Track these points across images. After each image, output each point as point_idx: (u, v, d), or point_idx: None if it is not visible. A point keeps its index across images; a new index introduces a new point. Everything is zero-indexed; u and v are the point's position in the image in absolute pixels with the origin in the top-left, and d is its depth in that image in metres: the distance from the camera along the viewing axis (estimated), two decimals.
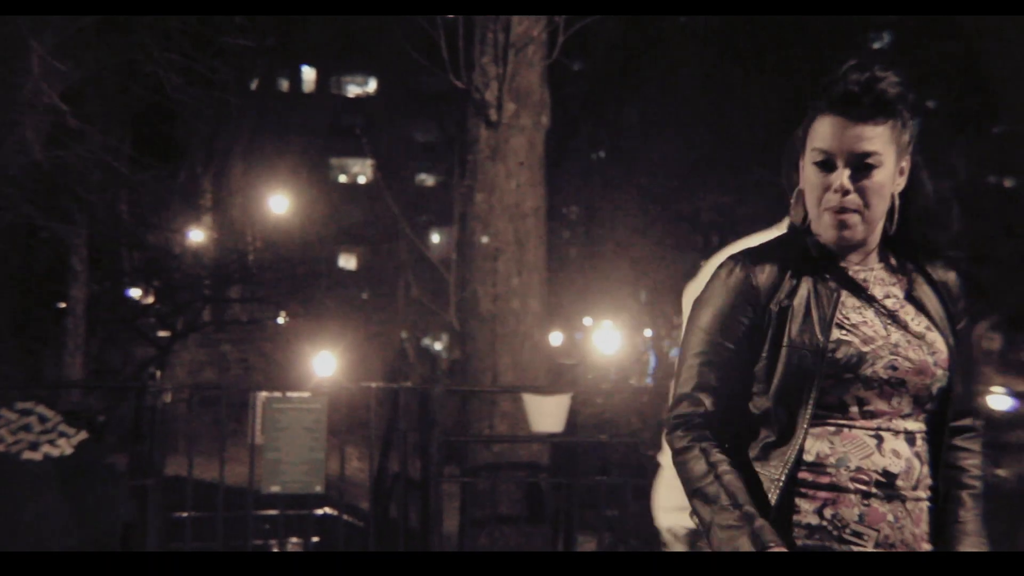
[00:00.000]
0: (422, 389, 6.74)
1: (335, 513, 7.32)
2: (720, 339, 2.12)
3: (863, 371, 2.04)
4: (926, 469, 2.08)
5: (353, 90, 34.75)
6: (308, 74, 34.35)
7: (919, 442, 2.08)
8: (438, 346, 24.48)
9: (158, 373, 6.72)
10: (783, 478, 2.03)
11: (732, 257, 2.17)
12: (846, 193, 2.05)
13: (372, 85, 33.32)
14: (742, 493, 2.01)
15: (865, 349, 2.05)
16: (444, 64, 8.38)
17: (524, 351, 8.24)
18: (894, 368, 2.06)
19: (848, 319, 2.09)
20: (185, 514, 6.09)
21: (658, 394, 14.24)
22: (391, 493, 7.29)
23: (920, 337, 2.10)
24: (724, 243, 2.85)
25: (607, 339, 15.60)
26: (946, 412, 2.12)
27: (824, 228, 2.10)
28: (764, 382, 2.09)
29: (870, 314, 2.10)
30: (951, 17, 17.32)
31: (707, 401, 2.11)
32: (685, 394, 2.13)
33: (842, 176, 2.05)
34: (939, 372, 2.09)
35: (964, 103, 20.05)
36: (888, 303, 2.12)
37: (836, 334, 2.06)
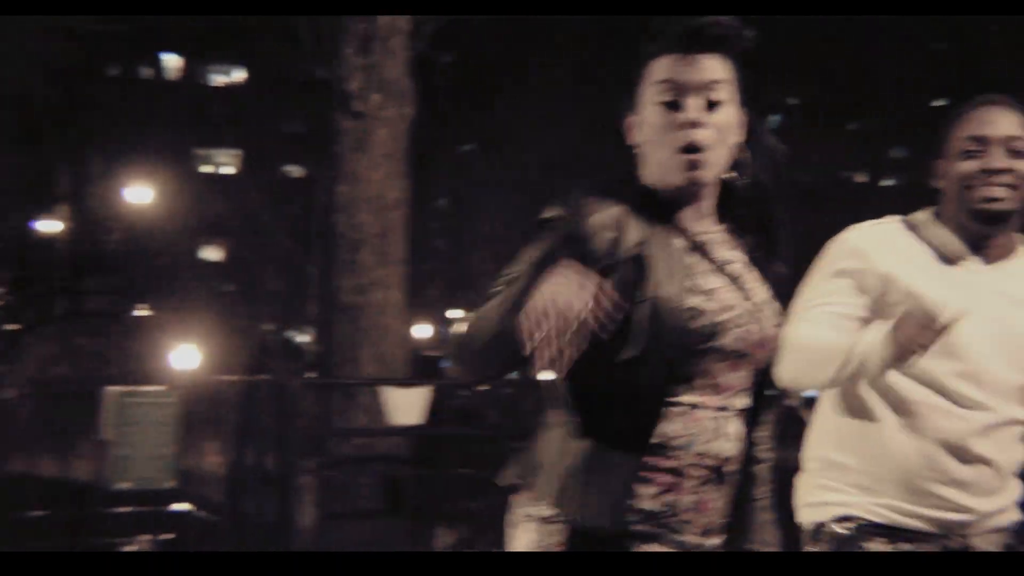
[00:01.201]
0: (279, 382, 6.64)
1: (190, 509, 7.17)
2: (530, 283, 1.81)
3: (716, 342, 1.91)
4: (743, 444, 1.98)
5: (219, 79, 34.09)
6: (173, 62, 33.59)
7: (749, 420, 1.98)
8: (303, 338, 24.23)
9: None
10: (628, 460, 1.88)
11: (563, 203, 1.94)
12: (697, 126, 1.91)
13: (239, 74, 32.74)
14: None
15: (717, 319, 1.91)
16: (308, 54, 8.27)
17: (386, 343, 8.20)
18: (743, 339, 1.94)
19: (700, 286, 1.92)
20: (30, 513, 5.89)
21: (523, 386, 14.34)
22: (247, 488, 7.16)
23: (762, 307, 1.99)
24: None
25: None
26: (764, 385, 2.02)
27: (672, 171, 1.92)
28: (615, 345, 1.88)
29: (718, 281, 1.95)
30: (814, 17, 17.82)
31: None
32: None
33: (692, 110, 1.91)
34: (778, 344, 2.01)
35: (823, 100, 20.68)
36: (734, 268, 1.98)
37: (691, 300, 1.90)
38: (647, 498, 1.89)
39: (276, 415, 6.39)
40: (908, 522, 2.47)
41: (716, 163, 1.95)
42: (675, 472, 1.90)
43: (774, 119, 22.23)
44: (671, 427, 1.90)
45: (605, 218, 1.90)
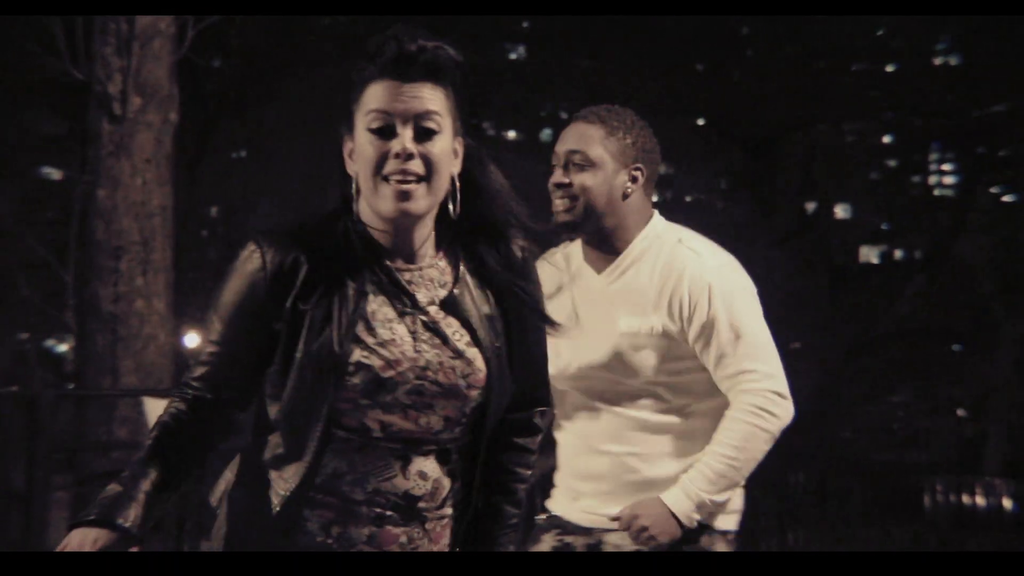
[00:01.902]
0: (27, 394, 6.36)
1: None
2: (230, 331, 1.90)
3: (381, 398, 1.87)
4: (458, 485, 1.96)
5: None
6: None
7: (454, 458, 1.95)
8: (63, 348, 23.20)
9: None
10: (290, 492, 1.88)
11: (255, 237, 1.92)
12: (409, 157, 1.86)
13: None
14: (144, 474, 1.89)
15: (385, 375, 1.87)
16: (62, 53, 7.96)
17: (148, 353, 7.98)
18: (420, 393, 1.89)
19: (375, 335, 1.88)
20: None
21: None
22: None
23: (458, 355, 1.92)
24: None
25: None
26: (490, 417, 1.97)
27: (383, 201, 1.87)
28: (277, 387, 1.89)
29: (402, 329, 1.90)
30: (586, 33, 18.35)
31: (209, 398, 1.91)
32: (190, 379, 1.93)
33: (404, 139, 1.87)
34: (473, 393, 1.92)
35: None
36: (432, 311, 1.93)
37: (357, 354, 1.86)
38: (317, 529, 1.90)
39: (26, 428, 6.11)
40: (577, 518, 2.68)
41: (432, 193, 1.90)
42: (344, 506, 1.90)
43: (546, 132, 22.74)
44: (337, 464, 1.90)
45: (291, 257, 1.88)
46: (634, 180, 2.74)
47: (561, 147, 2.72)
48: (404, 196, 1.87)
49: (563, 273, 2.75)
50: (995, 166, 18.49)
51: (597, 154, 2.69)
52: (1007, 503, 9.67)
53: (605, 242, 2.72)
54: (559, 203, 2.68)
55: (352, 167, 1.96)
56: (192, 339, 15.75)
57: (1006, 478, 11.51)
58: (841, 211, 23.31)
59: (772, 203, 18.98)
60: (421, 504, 1.91)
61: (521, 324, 2.00)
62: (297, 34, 17.15)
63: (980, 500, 9.86)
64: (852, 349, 18.15)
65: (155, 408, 7.19)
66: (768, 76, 18.66)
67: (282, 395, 1.88)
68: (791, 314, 19.00)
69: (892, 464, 17.30)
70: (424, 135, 1.89)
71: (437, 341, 1.92)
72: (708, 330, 2.60)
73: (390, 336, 1.89)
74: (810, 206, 20.01)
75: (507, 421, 2.02)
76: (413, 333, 1.90)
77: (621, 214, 2.73)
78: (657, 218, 2.83)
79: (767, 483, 12.20)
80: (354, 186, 1.95)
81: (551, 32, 19.41)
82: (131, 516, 1.84)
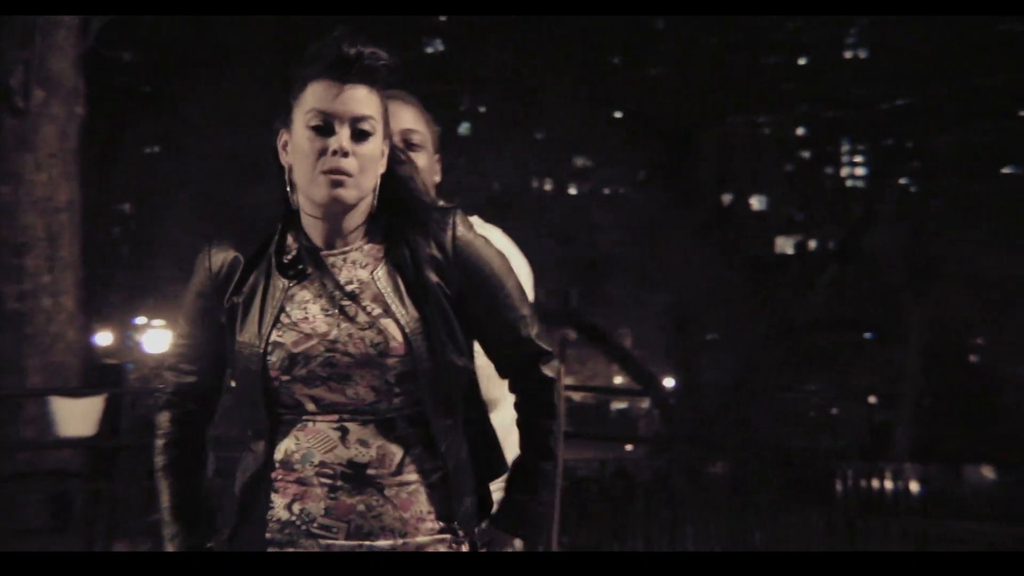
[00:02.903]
0: None
1: None
2: (191, 327, 2.12)
3: (298, 372, 2.00)
4: (418, 451, 2.03)
5: None
6: None
7: (400, 425, 2.03)
8: None
9: None
10: (250, 474, 2.05)
11: (210, 243, 2.11)
12: (345, 155, 1.99)
13: None
14: (180, 501, 2.15)
15: (296, 350, 2.00)
16: None
17: (55, 352, 7.84)
18: (332, 365, 2.00)
19: (290, 316, 2.03)
20: None
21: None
22: None
23: (369, 327, 2.01)
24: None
25: (156, 338, 15.18)
26: (425, 385, 2.04)
27: (318, 189, 2.00)
28: (231, 378, 2.10)
29: (315, 308, 2.03)
30: (503, 27, 18.36)
31: (188, 380, 2.13)
32: (166, 368, 2.15)
33: (341, 138, 2.00)
34: (390, 362, 2.00)
35: (510, 109, 21.35)
36: (349, 288, 2.04)
37: (274, 335, 2.02)
38: (280, 508, 2.03)
39: None
40: None
41: (360, 187, 2.02)
42: (300, 482, 2.02)
43: (465, 126, 22.71)
44: (287, 443, 2.04)
45: (231, 257, 2.07)
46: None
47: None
48: (336, 184, 2.00)
49: None
50: (902, 158, 18.90)
51: (425, 137, 2.69)
52: (914, 486, 9.91)
53: None
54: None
55: (286, 159, 2.08)
56: (105, 337, 15.54)
57: (914, 462, 11.78)
58: (757, 203, 23.62)
59: (689, 195, 19.18)
60: (370, 471, 2.00)
61: (463, 296, 2.08)
62: (211, 29, 16.92)
63: (888, 484, 10.08)
64: (768, 339, 18.43)
65: (63, 408, 7.07)
66: (684, 69, 18.86)
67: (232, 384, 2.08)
68: (709, 305, 19.24)
69: (806, 451, 17.59)
70: (359, 136, 2.02)
71: (350, 314, 2.02)
72: None
73: (303, 315, 2.03)
74: (726, 198, 20.25)
75: (515, 379, 2.16)
76: (326, 310, 2.03)
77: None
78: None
79: (687, 473, 12.35)
80: (286, 177, 2.08)
81: (468, 26, 19.39)
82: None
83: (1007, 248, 17.57)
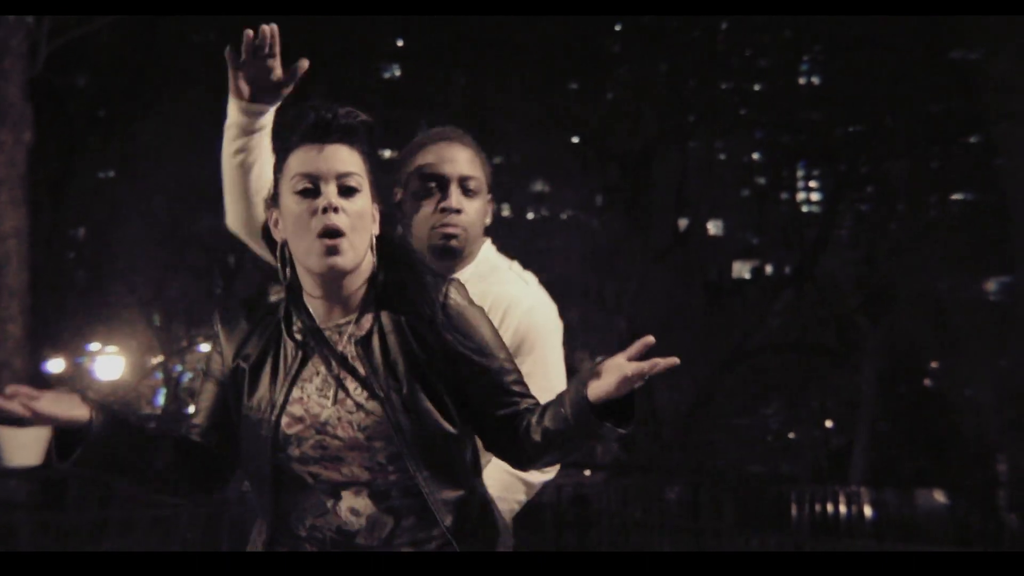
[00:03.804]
0: None
1: None
2: (207, 391, 2.12)
3: (291, 452, 2.01)
4: (410, 521, 2.02)
5: None
6: None
7: (394, 494, 2.01)
8: None
9: None
10: (267, 529, 2.07)
11: (220, 308, 2.14)
12: (334, 211, 1.96)
13: None
14: None
15: (289, 432, 2.01)
16: None
17: (2, 380, 7.71)
18: (324, 448, 2.00)
19: (288, 394, 2.03)
20: None
21: (167, 420, 13.89)
22: None
23: (357, 409, 2.00)
24: (238, 265, 2.76)
25: (108, 365, 15.00)
26: (412, 461, 2.01)
27: (313, 258, 1.97)
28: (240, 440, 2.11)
29: (311, 387, 2.03)
30: (460, 53, 18.39)
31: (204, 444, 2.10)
32: (189, 426, 2.11)
33: (328, 195, 1.97)
34: (377, 444, 1.99)
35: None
36: (343, 367, 2.02)
37: (280, 414, 2.03)
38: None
39: None
40: None
41: (355, 249, 1.99)
42: (295, 543, 2.04)
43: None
44: (285, 500, 2.05)
45: (241, 325, 2.07)
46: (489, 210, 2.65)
47: (452, 169, 2.55)
48: (332, 251, 1.96)
49: None
50: (856, 183, 19.08)
51: (481, 182, 2.56)
52: (867, 510, 9.94)
53: (451, 269, 2.55)
54: (450, 229, 2.51)
55: (279, 235, 2.05)
56: (57, 364, 15.27)
57: (868, 486, 11.83)
58: (713, 227, 23.77)
59: (647, 220, 19.25)
60: (359, 540, 2.00)
61: (454, 364, 2.04)
62: (166, 52, 16.85)
63: (843, 508, 10.11)
64: (725, 363, 18.50)
65: (10, 438, 6.95)
66: (641, 95, 18.97)
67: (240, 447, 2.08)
68: (666, 329, 19.30)
69: (763, 475, 17.64)
70: (346, 192, 1.99)
71: (340, 396, 2.02)
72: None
73: (299, 395, 2.03)
74: (683, 222, 20.36)
75: (506, 437, 2.07)
76: (320, 390, 2.02)
77: (478, 245, 2.62)
78: (487, 246, 2.68)
79: (644, 496, 12.35)
80: (280, 251, 2.05)
81: (426, 50, 19.42)
82: (100, 421, 1.92)
83: (959, 272, 17.79)
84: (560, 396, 1.98)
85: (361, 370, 2.01)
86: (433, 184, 2.53)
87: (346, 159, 2.00)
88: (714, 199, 21.30)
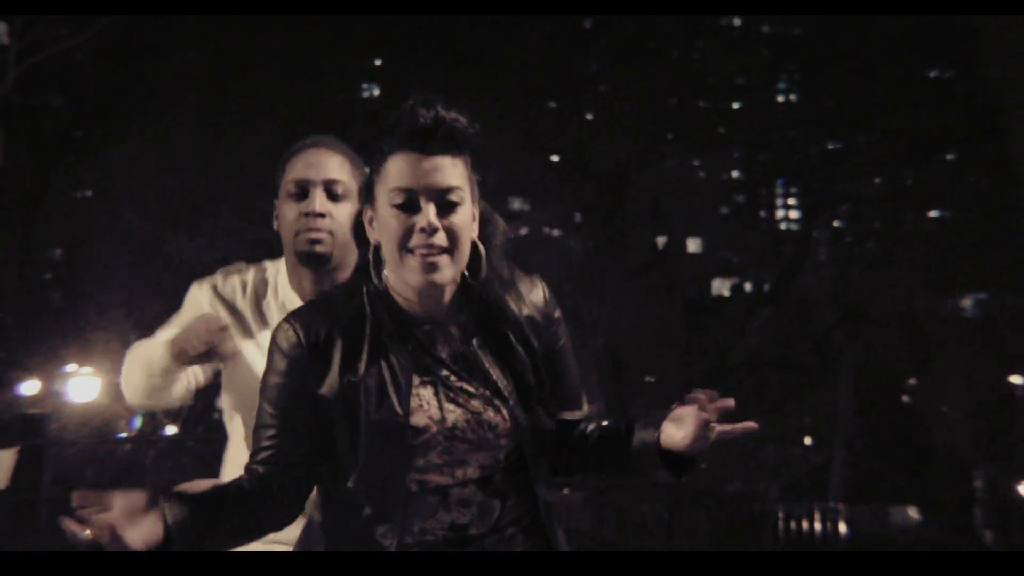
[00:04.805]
0: None
1: None
2: (282, 411, 1.96)
3: (415, 463, 1.94)
4: (512, 502, 2.00)
5: None
6: None
7: (497, 479, 1.99)
8: None
9: None
10: (395, 543, 1.96)
11: (289, 317, 1.98)
12: (434, 231, 1.89)
13: None
14: None
15: (416, 442, 1.93)
16: None
17: None
18: (451, 453, 1.95)
19: (404, 403, 1.94)
20: None
21: (139, 442, 13.81)
22: None
23: (483, 410, 1.97)
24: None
25: (82, 386, 14.87)
26: (527, 450, 2.01)
27: (410, 273, 1.92)
28: (348, 457, 1.95)
29: (427, 393, 1.96)
30: (439, 72, 18.44)
31: (277, 475, 1.96)
32: (254, 463, 1.97)
33: (428, 214, 1.89)
34: (503, 442, 1.97)
35: None
36: (455, 367, 1.98)
37: (410, 420, 1.94)
38: None
39: None
40: None
41: (455, 264, 1.93)
42: (407, 546, 1.94)
43: None
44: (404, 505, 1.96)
45: (317, 338, 1.94)
46: None
47: (316, 174, 2.52)
48: (431, 268, 1.91)
49: (245, 302, 2.58)
50: (833, 200, 19.16)
51: (350, 187, 2.53)
52: (843, 527, 9.94)
53: (323, 278, 2.54)
54: (313, 234, 2.48)
55: (373, 235, 1.99)
56: (32, 386, 15.16)
57: (846, 503, 11.83)
58: (693, 245, 23.82)
59: (625, 237, 19.29)
60: (472, 531, 1.97)
61: (544, 351, 2.05)
62: (141, 72, 16.82)
63: (818, 525, 10.10)
64: (704, 381, 18.50)
65: None
66: (619, 113, 19.02)
67: (355, 463, 1.94)
68: (645, 347, 19.29)
69: (740, 493, 17.63)
70: (447, 208, 1.91)
71: (462, 399, 1.97)
72: None
73: (417, 403, 1.94)
74: (662, 240, 20.39)
75: (563, 437, 2.09)
76: (438, 395, 1.96)
77: (354, 254, 2.62)
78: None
79: (620, 517, 12.33)
80: (372, 253, 1.99)
81: (404, 70, 19.44)
82: (180, 517, 1.82)
83: (935, 289, 17.86)
84: (628, 424, 1.99)
85: (479, 370, 1.97)
86: (299, 190, 2.51)
87: (448, 172, 1.91)
88: (692, 217, 21.35)
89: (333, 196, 2.52)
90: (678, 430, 1.88)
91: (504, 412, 1.97)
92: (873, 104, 16.49)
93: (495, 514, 1.98)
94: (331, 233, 2.49)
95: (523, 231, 23.63)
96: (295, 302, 2.52)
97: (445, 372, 1.97)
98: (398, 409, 1.91)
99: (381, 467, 1.93)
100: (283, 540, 2.14)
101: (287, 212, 2.53)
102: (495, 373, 1.98)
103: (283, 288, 2.61)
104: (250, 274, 2.65)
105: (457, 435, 1.94)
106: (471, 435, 1.95)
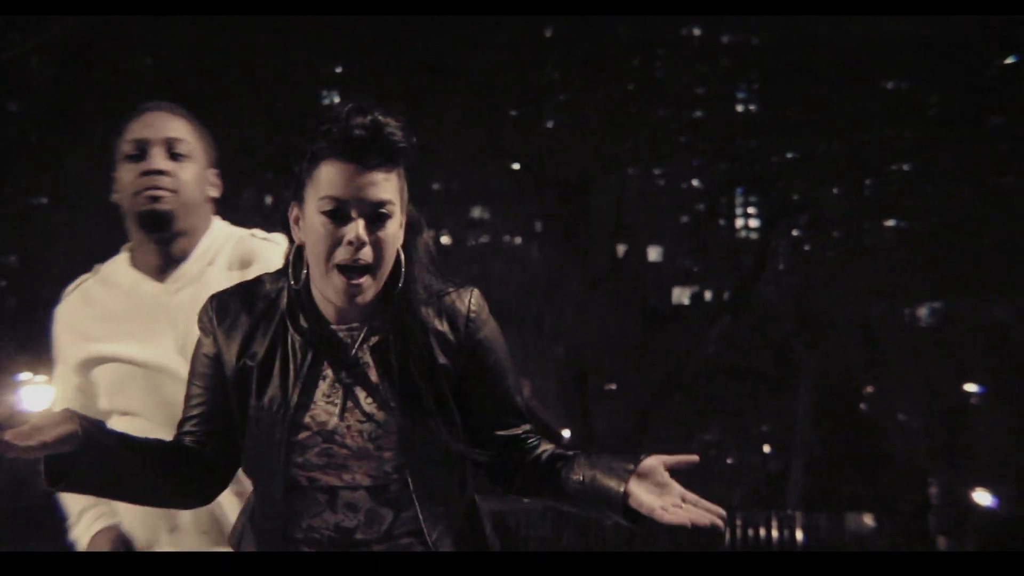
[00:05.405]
0: None
1: None
2: (199, 386, 2.02)
3: (295, 458, 1.95)
4: (409, 513, 1.97)
5: None
6: None
7: (393, 489, 1.97)
8: None
9: None
10: (254, 532, 2.04)
11: (211, 296, 2.02)
12: (361, 246, 1.87)
13: None
14: None
15: (295, 438, 1.94)
16: None
17: None
18: (330, 455, 1.94)
19: (296, 397, 1.96)
20: None
21: None
22: None
23: (367, 418, 1.95)
24: None
25: (35, 394, 14.69)
26: (416, 467, 1.98)
27: (332, 291, 1.90)
28: (241, 441, 2.01)
29: (318, 393, 1.95)
30: (398, 79, 18.40)
31: (198, 447, 2.01)
32: (182, 432, 2.03)
33: (357, 227, 1.86)
34: (386, 455, 1.95)
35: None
36: (354, 373, 1.96)
37: (295, 416, 1.97)
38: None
39: None
40: None
41: (377, 282, 1.91)
42: (293, 543, 1.98)
43: None
44: (290, 503, 1.98)
45: (226, 319, 1.98)
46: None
47: (154, 133, 2.42)
48: (354, 290, 1.89)
49: (117, 289, 2.51)
50: (792, 209, 19.29)
51: (195, 147, 2.46)
52: (800, 535, 9.99)
53: (169, 246, 2.43)
54: (153, 191, 2.38)
55: (298, 235, 1.97)
56: None
57: (801, 510, 11.90)
58: (654, 253, 23.92)
59: (586, 246, 19.33)
60: (358, 535, 1.96)
61: (461, 368, 2.01)
62: (100, 78, 16.67)
63: (775, 532, 10.16)
64: (663, 388, 18.57)
65: None
66: (579, 121, 19.05)
67: (245, 446, 1.98)
68: (605, 356, 19.33)
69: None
70: (376, 220, 1.89)
71: (349, 404, 1.95)
72: None
73: (302, 401, 1.95)
74: (622, 249, 20.45)
75: (505, 458, 2.05)
76: (327, 396, 1.95)
77: (202, 220, 2.49)
78: (219, 221, 2.57)
79: (578, 526, 12.32)
80: (293, 253, 1.97)
81: (364, 77, 19.37)
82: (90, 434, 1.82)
83: (892, 299, 18.02)
84: (591, 461, 1.95)
85: (373, 378, 1.94)
86: (137, 150, 2.41)
87: (381, 187, 1.88)
88: (653, 226, 21.43)
89: (175, 155, 2.41)
90: (646, 494, 1.88)
91: (386, 426, 1.94)
92: (832, 115, 16.63)
93: (385, 523, 1.97)
94: (174, 192, 2.37)
95: (484, 239, 23.66)
96: (140, 283, 2.43)
97: (343, 375, 1.95)
98: (280, 401, 1.92)
99: (261, 455, 1.95)
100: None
101: (125, 175, 2.40)
102: (386, 384, 1.95)
103: (122, 274, 2.48)
104: (88, 283, 2.55)
105: (336, 440, 1.93)
106: (350, 442, 1.94)
